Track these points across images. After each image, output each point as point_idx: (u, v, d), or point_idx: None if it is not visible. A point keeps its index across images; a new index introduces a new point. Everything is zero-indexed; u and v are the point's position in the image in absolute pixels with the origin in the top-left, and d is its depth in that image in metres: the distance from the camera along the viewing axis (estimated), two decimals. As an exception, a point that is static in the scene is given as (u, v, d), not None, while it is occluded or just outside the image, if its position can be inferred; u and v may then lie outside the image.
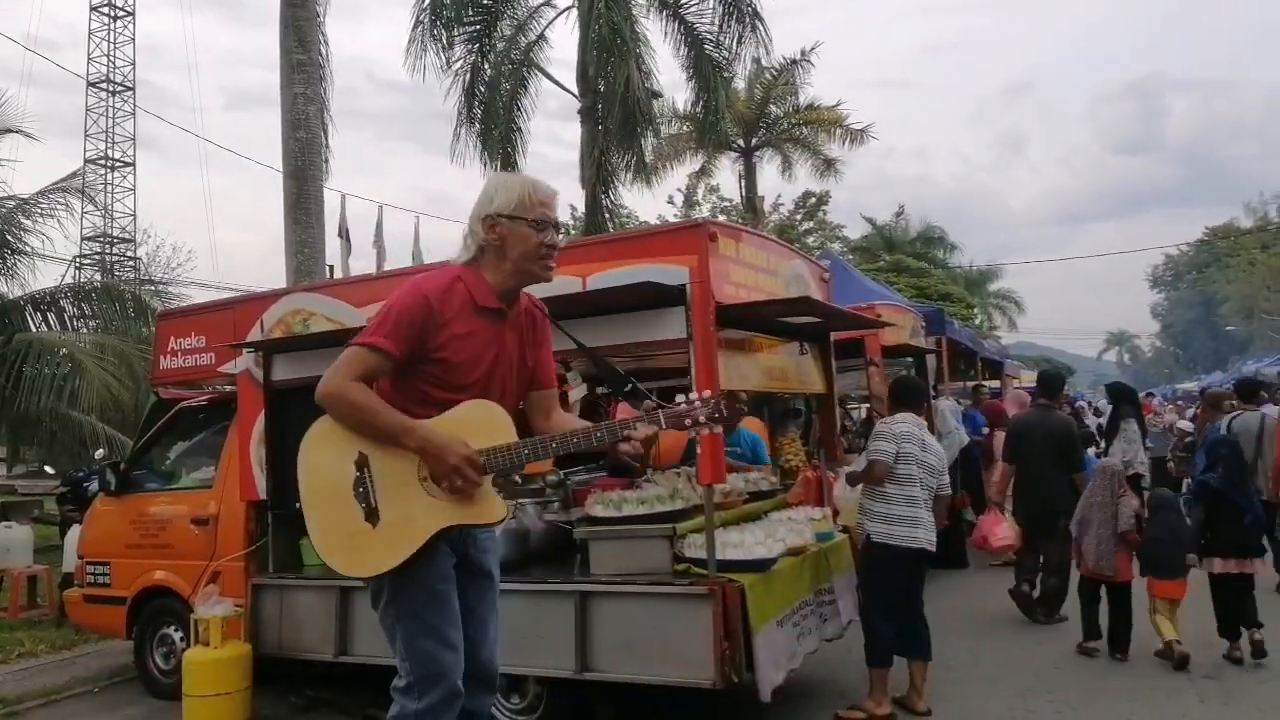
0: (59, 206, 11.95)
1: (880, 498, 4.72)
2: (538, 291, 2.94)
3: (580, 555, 4.46)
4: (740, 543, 4.16)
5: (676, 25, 15.55)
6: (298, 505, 2.63)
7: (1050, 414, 6.93)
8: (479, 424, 2.58)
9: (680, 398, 2.59)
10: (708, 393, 2.60)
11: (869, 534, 4.76)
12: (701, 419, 2.53)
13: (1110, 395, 8.27)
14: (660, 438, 7.04)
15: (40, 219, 11.78)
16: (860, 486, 4.89)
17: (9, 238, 11.59)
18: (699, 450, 4.17)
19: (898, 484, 4.68)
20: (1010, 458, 6.81)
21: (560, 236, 2.77)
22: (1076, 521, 5.95)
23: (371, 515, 2.54)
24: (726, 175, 26.81)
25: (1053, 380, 7.43)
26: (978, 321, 30.94)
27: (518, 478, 4.94)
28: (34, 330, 11.84)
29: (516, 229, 2.64)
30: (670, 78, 34.31)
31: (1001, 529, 6.67)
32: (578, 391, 6.70)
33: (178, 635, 5.67)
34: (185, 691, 4.91)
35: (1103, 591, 5.86)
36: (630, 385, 3.02)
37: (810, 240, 26.24)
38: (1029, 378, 20.52)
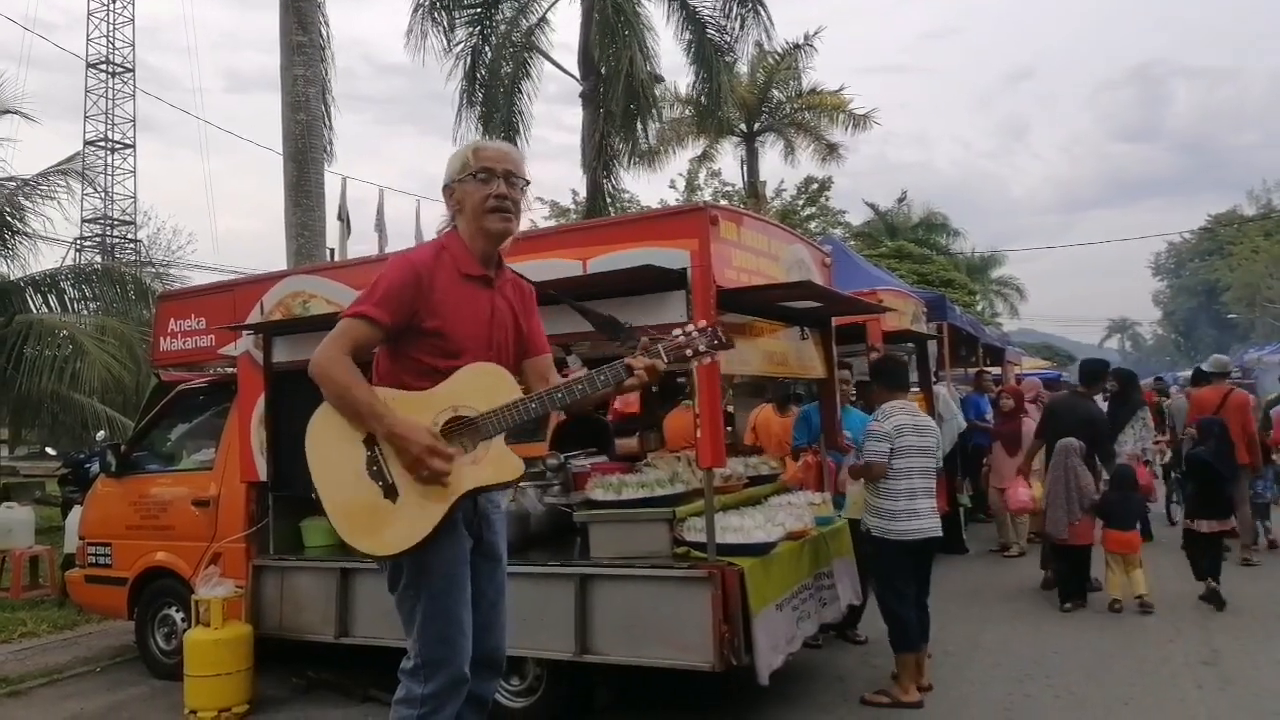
0: (59, 188, 11.96)
1: (880, 493, 4.70)
2: (539, 273, 2.94)
3: (580, 538, 4.47)
4: (740, 527, 4.17)
5: (678, 8, 15.47)
6: (313, 494, 2.61)
7: (1084, 402, 7.31)
8: (479, 387, 2.59)
9: (677, 331, 2.61)
10: (703, 322, 2.62)
11: (868, 528, 4.77)
12: (701, 348, 2.56)
13: (1118, 380, 8.31)
14: (668, 423, 7.08)
15: (41, 200, 11.78)
16: (861, 480, 4.90)
17: (9, 219, 11.58)
18: (699, 434, 4.16)
19: (895, 477, 4.66)
20: (1040, 434, 7.32)
21: (520, 186, 2.76)
22: (1046, 495, 6.70)
23: (390, 492, 2.54)
24: (729, 160, 26.72)
25: (1091, 370, 7.68)
26: (979, 308, 30.89)
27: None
28: (35, 312, 11.85)
29: (465, 188, 2.72)
30: (672, 60, 34.16)
31: (1023, 492, 7.41)
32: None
33: (179, 616, 5.69)
34: (186, 671, 4.93)
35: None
36: (625, 329, 3.00)
37: (812, 226, 26.14)
38: (1030, 364, 20.52)
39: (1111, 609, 6.41)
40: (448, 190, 2.77)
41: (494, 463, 2.58)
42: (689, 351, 2.56)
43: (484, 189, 2.69)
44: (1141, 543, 6.67)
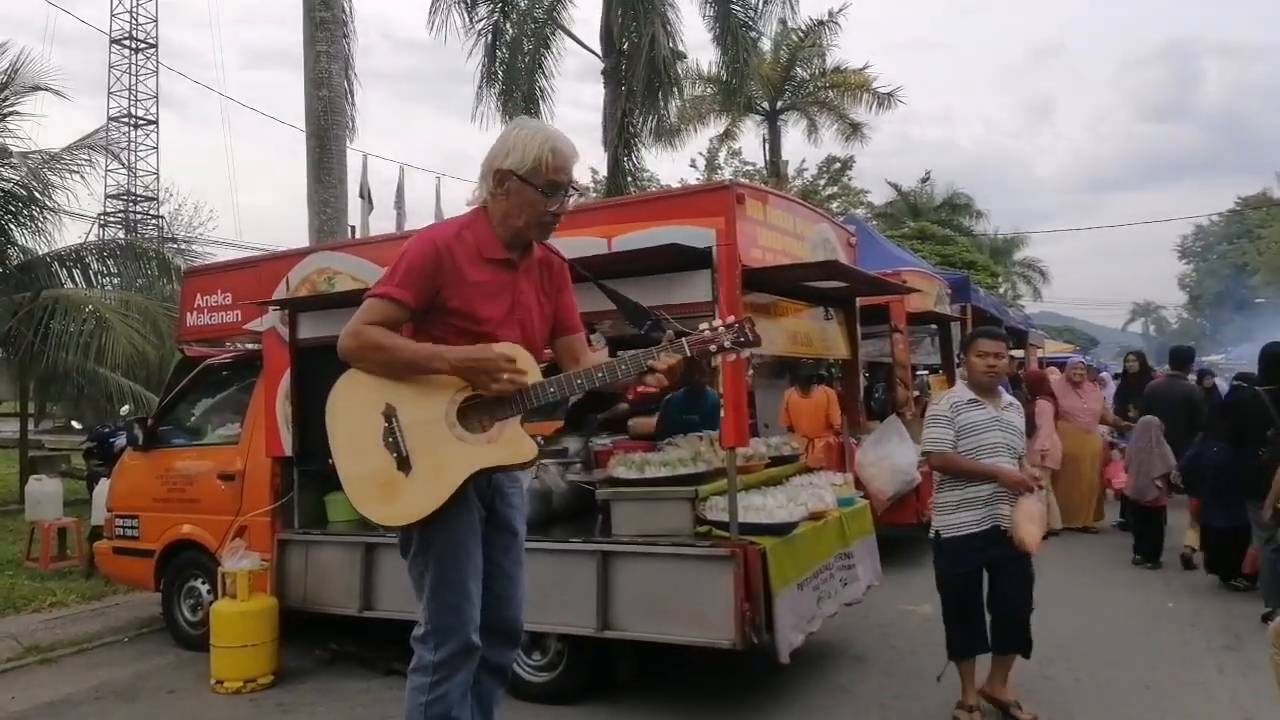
0: (83, 163, 12.03)
1: None
2: (564, 251, 2.92)
3: (602, 516, 4.49)
4: (762, 506, 4.18)
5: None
6: (330, 461, 2.64)
7: (1178, 383, 7.85)
8: None
9: (704, 325, 2.57)
10: (731, 317, 2.57)
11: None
12: (727, 344, 2.53)
13: (1139, 360, 8.35)
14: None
15: (66, 175, 11.86)
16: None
17: (36, 194, 11.66)
18: (723, 414, 4.15)
19: None
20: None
21: (575, 197, 2.73)
22: (1129, 465, 7.35)
23: (403, 464, 2.55)
24: (750, 139, 26.51)
25: (1181, 354, 8.26)
26: (1002, 290, 30.59)
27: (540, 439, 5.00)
28: (60, 286, 11.96)
29: (525, 192, 2.60)
30: (694, 37, 33.90)
31: (1121, 477, 8.13)
32: (600, 355, 6.71)
33: (205, 588, 5.77)
34: (213, 642, 5.00)
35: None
36: (652, 320, 2.97)
37: (834, 206, 25.93)
38: (1053, 347, 20.32)
39: (1183, 560, 7.14)
40: (501, 175, 2.60)
41: (509, 444, 2.58)
42: (713, 347, 2.52)
43: (547, 203, 2.61)
44: None
